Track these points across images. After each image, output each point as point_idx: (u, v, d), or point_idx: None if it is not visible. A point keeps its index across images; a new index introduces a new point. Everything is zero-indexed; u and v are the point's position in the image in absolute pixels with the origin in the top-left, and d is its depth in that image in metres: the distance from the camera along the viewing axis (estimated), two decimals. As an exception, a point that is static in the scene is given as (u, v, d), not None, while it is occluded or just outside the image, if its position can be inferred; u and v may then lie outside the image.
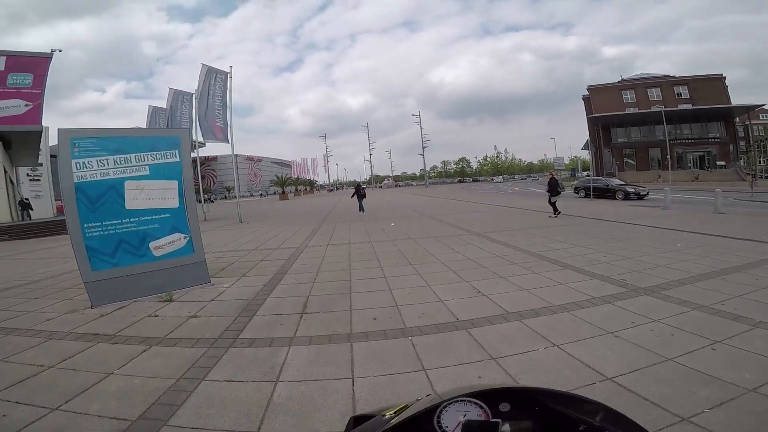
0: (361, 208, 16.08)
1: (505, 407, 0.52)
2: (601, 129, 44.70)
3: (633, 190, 19.22)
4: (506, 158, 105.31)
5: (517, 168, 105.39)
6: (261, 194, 75.94)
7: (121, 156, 4.63)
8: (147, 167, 4.77)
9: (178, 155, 4.96)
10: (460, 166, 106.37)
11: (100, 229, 4.56)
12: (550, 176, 12.88)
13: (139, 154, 4.72)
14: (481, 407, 0.52)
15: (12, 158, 22.56)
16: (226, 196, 69.97)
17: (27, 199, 22.27)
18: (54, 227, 16.42)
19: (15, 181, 24.62)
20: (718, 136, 42.01)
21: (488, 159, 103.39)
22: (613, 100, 44.93)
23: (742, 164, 39.86)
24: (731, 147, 41.96)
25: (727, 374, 2.36)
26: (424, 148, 63.52)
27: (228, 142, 16.47)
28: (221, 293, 4.86)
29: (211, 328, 3.65)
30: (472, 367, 2.65)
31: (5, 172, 19.79)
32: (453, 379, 2.51)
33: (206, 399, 2.42)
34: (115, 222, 4.63)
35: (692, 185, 30.35)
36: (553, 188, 11.90)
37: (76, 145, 4.43)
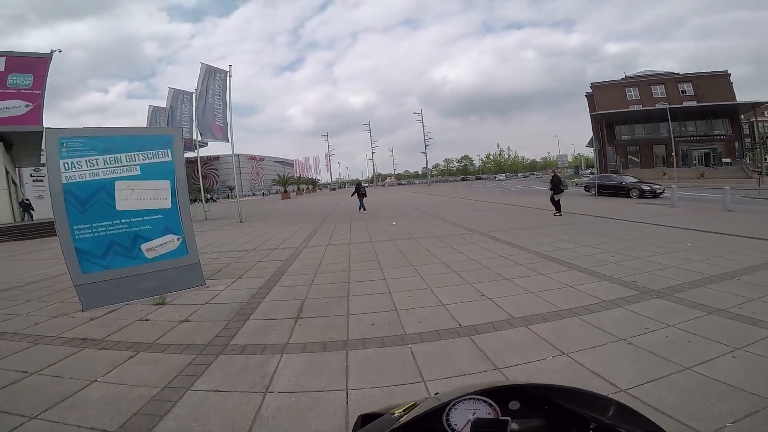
0: (362, 207, 15.94)
1: (514, 405, 0.52)
2: (605, 126, 44.30)
3: (648, 188, 18.37)
4: (509, 156, 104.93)
5: (520, 166, 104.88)
6: (263, 193, 76.01)
7: (111, 156, 4.49)
8: (138, 167, 4.62)
9: (170, 154, 4.81)
10: (462, 164, 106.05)
11: (90, 230, 4.43)
12: (553, 174, 12.68)
13: (129, 154, 4.58)
14: (490, 405, 0.51)
15: (14, 159, 22.59)
16: (228, 196, 70.07)
17: (28, 199, 22.26)
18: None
19: (18, 182, 24.66)
20: (723, 133, 41.55)
21: (491, 157, 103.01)
22: (616, 97, 44.53)
23: (748, 161, 39.35)
24: (737, 144, 41.48)
25: (750, 384, 2.20)
26: (426, 146, 63.38)
27: (228, 141, 16.36)
28: (215, 296, 4.72)
29: (202, 334, 3.51)
30: (475, 378, 2.47)
31: (7, 172, 19.78)
32: (454, 392, 2.33)
33: (191, 410, 2.30)
34: (105, 223, 4.50)
35: (697, 183, 30.01)
36: (556, 186, 11.72)
37: (64, 145, 4.30)
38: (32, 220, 20.29)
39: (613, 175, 24.00)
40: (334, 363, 2.78)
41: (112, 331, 3.75)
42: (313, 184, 77.16)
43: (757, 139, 42.86)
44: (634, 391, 2.23)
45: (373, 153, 78.65)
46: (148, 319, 4.02)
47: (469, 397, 0.52)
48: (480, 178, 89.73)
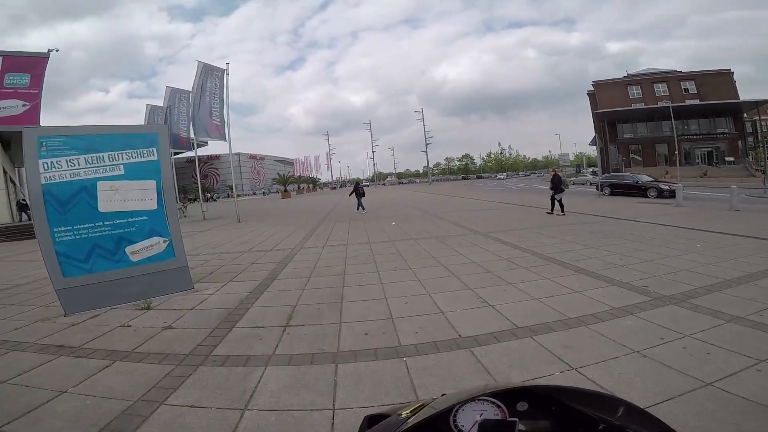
0: (361, 207, 15.72)
1: (522, 406, 0.51)
2: (607, 125, 43.93)
3: (667, 187, 17.45)
4: (510, 155, 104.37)
5: (522, 164, 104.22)
6: (264, 192, 75.76)
7: (92, 155, 4.28)
8: (121, 166, 4.40)
9: (156, 153, 4.58)
10: (463, 163, 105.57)
11: (71, 233, 4.23)
12: (554, 173, 12.44)
13: (112, 153, 4.36)
14: (498, 406, 0.51)
15: (13, 159, 22.44)
16: (228, 195, 69.93)
17: (25, 199, 22.11)
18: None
19: (17, 182, 24.52)
20: (726, 131, 41.17)
21: (492, 155, 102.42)
22: (618, 95, 44.15)
23: (751, 160, 38.97)
24: (740, 143, 41.10)
25: (779, 402, 1.97)
26: (427, 145, 63.16)
27: (225, 139, 16.14)
28: (203, 301, 4.50)
29: (184, 342, 3.30)
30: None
31: (5, 172, 19.64)
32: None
33: (162, 427, 2.12)
34: (87, 225, 4.29)
35: (700, 181, 29.69)
36: (557, 185, 11.48)
37: (43, 144, 4.10)
38: (30, 220, 20.13)
39: (628, 174, 23.24)
40: (322, 378, 2.55)
41: (92, 337, 3.57)
42: (314, 183, 77.01)
43: (760, 137, 42.39)
44: (651, 411, 1.99)
45: (373, 152, 78.61)
46: (129, 326, 3.82)
47: (477, 398, 0.52)
48: (481, 177, 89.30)
